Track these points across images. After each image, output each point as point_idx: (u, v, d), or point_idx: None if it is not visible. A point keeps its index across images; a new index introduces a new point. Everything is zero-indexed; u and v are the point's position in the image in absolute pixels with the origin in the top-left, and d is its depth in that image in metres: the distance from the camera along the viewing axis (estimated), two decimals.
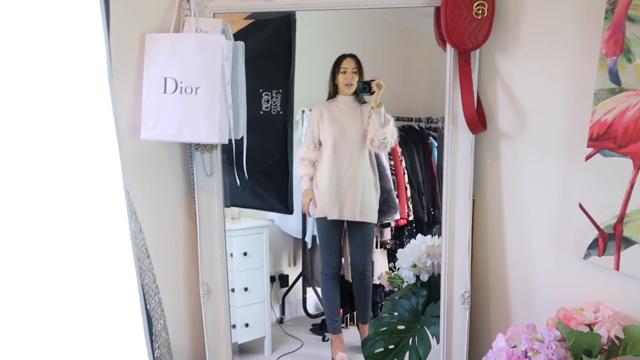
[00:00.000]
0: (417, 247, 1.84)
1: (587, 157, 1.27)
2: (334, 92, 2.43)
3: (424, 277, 1.80)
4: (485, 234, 1.56)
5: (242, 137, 1.60)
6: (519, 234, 1.48)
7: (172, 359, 1.42)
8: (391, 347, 1.78)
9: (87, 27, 0.85)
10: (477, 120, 1.42)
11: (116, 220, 0.88)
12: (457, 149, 1.49)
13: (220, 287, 1.63)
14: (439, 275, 1.76)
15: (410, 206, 2.78)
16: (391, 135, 2.33)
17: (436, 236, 1.90)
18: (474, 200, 1.53)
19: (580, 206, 1.29)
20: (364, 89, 2.22)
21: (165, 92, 1.43)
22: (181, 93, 1.42)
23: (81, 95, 0.85)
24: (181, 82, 1.41)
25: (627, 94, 1.18)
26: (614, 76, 1.20)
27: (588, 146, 1.26)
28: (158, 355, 1.34)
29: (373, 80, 2.20)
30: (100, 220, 0.87)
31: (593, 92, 1.24)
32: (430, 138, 2.95)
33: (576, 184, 1.30)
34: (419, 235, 1.90)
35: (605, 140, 1.23)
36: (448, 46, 1.44)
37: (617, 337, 1.19)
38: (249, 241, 2.53)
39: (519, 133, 1.43)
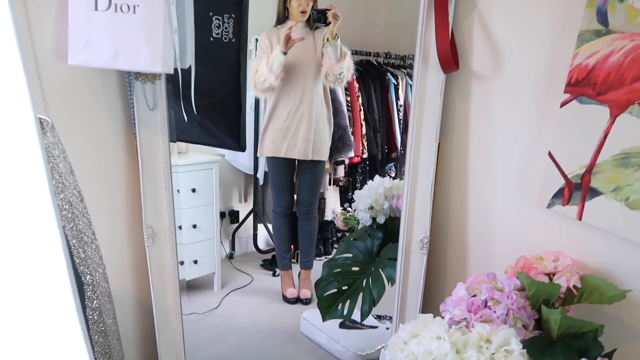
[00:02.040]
0: (375, 189, 1.75)
1: (563, 104, 1.17)
2: (283, 17, 2.21)
3: (381, 220, 1.73)
4: (449, 180, 1.48)
5: (190, 67, 1.39)
6: (483, 180, 1.40)
7: (114, 307, 1.28)
8: (344, 288, 1.73)
9: None
10: (451, 58, 1.28)
11: (28, 159, 0.69)
12: (426, 89, 1.35)
13: (167, 230, 1.48)
14: (396, 217, 1.70)
15: (365, 144, 2.68)
16: (347, 69, 2.18)
17: (390, 178, 1.82)
18: (439, 144, 1.42)
19: (550, 155, 1.22)
20: (318, 19, 2.01)
21: (96, 8, 1.18)
22: (116, 11, 1.17)
23: None
24: None
25: (614, 37, 1.07)
26: (602, 16, 1.08)
27: (565, 92, 1.16)
28: (97, 305, 1.19)
29: (329, 10, 1.99)
30: (7, 164, 0.68)
31: (577, 33, 1.12)
32: (388, 74, 2.81)
33: (548, 131, 1.22)
34: (377, 177, 1.81)
35: (584, 86, 1.13)
36: None
37: (574, 287, 1.16)
38: (198, 177, 2.37)
39: (493, 74, 1.31)
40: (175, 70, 1.32)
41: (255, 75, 2.11)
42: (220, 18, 1.68)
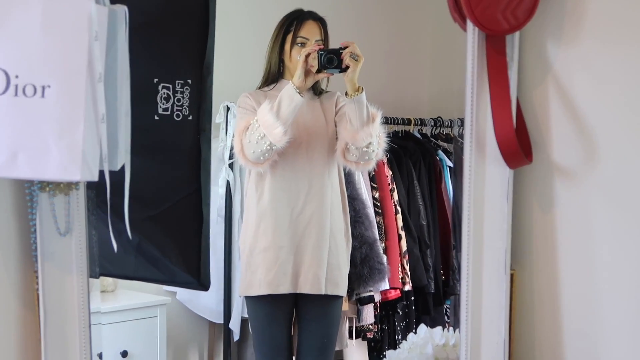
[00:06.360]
0: (420, 348, 1.85)
1: None
2: (277, 74, 2.39)
3: None
4: (532, 331, 1.59)
5: (123, 166, 1.57)
6: (587, 331, 1.51)
7: None
8: None
9: None
10: (517, 146, 1.45)
11: None
12: (484, 192, 1.51)
13: None
14: None
15: (407, 267, 2.79)
16: (377, 140, 2.26)
17: (447, 327, 1.92)
18: (512, 275, 1.55)
19: None
20: (329, 61, 2.12)
21: None
22: (16, 95, 1.37)
23: None
24: (16, 77, 1.37)
25: None
26: None
27: None
28: None
29: (344, 48, 2.14)
30: None
31: None
32: (440, 152, 2.99)
33: None
34: (422, 327, 1.91)
35: None
36: (470, 25, 1.47)
37: None
38: (132, 331, 2.46)
39: (586, 169, 1.48)
40: (101, 171, 1.49)
41: (243, 133, 2.21)
42: (170, 86, 1.86)
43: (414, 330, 1.98)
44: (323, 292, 2.32)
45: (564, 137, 1.51)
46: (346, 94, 2.21)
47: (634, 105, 1.42)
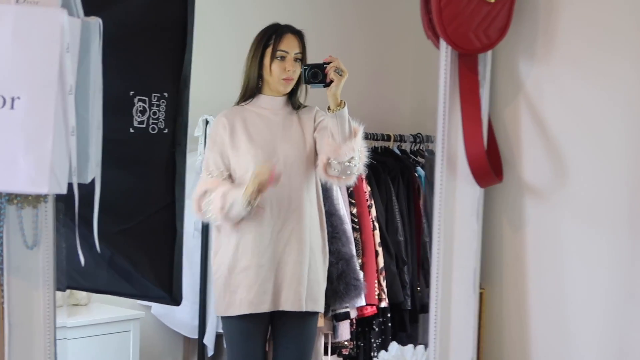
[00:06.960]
0: None
1: None
2: (256, 89, 2.38)
3: None
4: (500, 350, 1.59)
5: (94, 179, 1.56)
6: (556, 350, 1.51)
7: None
8: None
9: None
10: (488, 165, 1.46)
11: None
12: (454, 211, 1.52)
13: None
14: None
15: (384, 284, 2.78)
16: (359, 154, 2.26)
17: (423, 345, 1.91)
18: (481, 293, 1.56)
19: None
20: (314, 75, 2.11)
21: None
22: None
23: None
24: None
25: None
26: None
27: None
28: None
29: (328, 63, 2.14)
30: None
31: None
32: (419, 169, 2.99)
33: None
34: (393, 345, 1.91)
35: None
36: (442, 43, 1.48)
37: None
38: (105, 346, 2.44)
39: (556, 188, 1.49)
40: (70, 185, 1.48)
41: (201, 198, 2.23)
42: (146, 99, 1.85)
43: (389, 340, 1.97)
44: (304, 309, 2.30)
45: (535, 156, 1.52)
46: (328, 108, 2.20)
47: (603, 124, 1.43)
